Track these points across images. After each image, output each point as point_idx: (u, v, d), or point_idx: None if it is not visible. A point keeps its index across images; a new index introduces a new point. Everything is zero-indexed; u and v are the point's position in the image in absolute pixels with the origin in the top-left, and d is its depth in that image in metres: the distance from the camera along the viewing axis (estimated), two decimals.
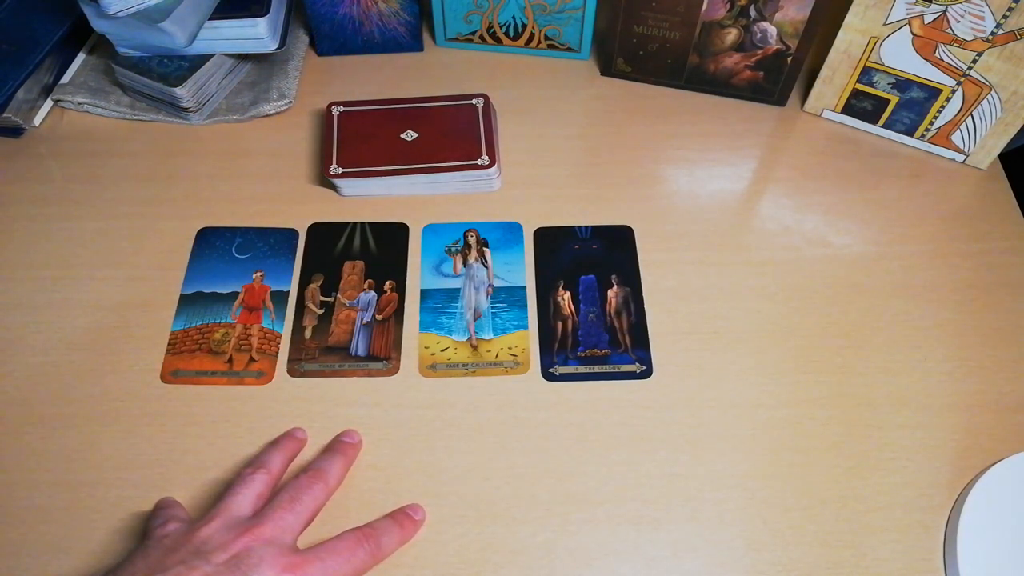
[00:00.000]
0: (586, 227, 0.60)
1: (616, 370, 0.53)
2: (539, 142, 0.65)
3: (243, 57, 0.68)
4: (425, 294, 0.56)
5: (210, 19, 0.62)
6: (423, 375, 0.53)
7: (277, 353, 0.53)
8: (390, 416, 0.51)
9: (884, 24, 0.58)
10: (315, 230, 0.60)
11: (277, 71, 0.68)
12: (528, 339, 0.54)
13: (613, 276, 0.57)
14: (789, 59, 0.63)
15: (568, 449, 0.49)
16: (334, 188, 0.61)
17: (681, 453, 0.49)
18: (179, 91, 0.63)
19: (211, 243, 0.59)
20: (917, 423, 0.50)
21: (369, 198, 0.61)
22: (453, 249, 0.59)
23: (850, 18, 0.59)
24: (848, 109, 0.65)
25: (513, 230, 0.60)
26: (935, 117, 0.62)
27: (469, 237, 0.59)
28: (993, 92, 0.58)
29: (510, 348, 0.54)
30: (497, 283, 0.57)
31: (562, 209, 0.61)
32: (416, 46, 0.71)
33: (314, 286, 0.57)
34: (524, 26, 0.69)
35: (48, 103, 0.66)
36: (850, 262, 0.58)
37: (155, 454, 0.49)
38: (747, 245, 0.59)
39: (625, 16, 0.64)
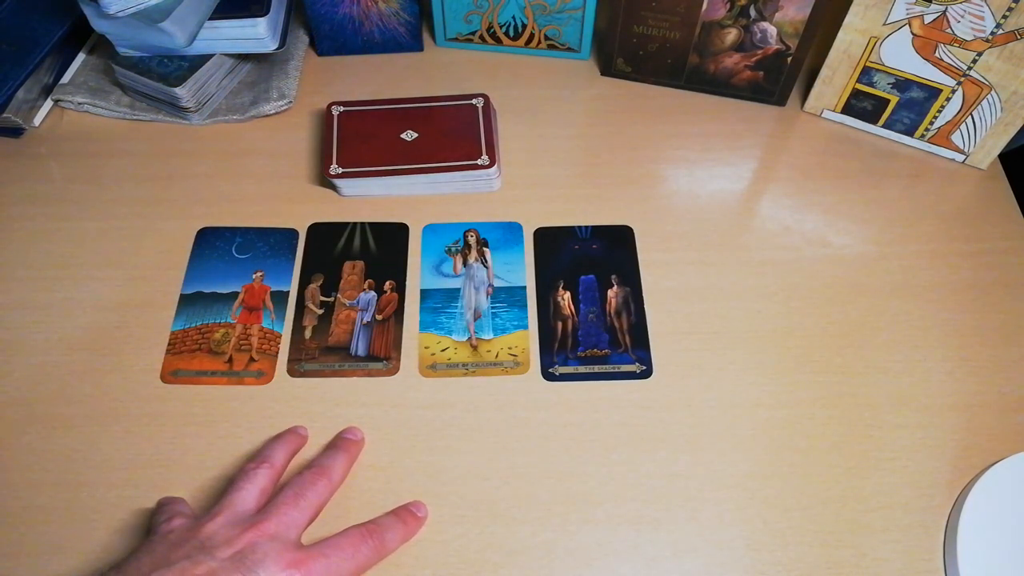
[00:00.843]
0: (586, 227, 0.60)
1: (616, 370, 0.53)
2: (539, 142, 0.65)
3: (243, 57, 0.68)
4: (425, 294, 0.56)
5: (210, 19, 0.62)
6: (423, 375, 0.53)
7: (277, 353, 0.53)
8: (390, 416, 0.51)
9: (884, 24, 0.58)
10: (315, 230, 0.60)
11: (277, 71, 0.68)
12: (528, 339, 0.54)
13: (613, 276, 0.57)
14: (789, 59, 0.63)
15: (568, 449, 0.49)
16: (334, 188, 0.61)
17: (681, 453, 0.49)
18: (179, 91, 0.63)
19: (211, 243, 0.59)
20: (917, 423, 0.50)
21: (369, 198, 0.61)
22: (453, 249, 0.59)
23: (850, 18, 0.59)
24: (848, 109, 0.65)
25: (513, 230, 0.60)
26: (935, 117, 0.62)
27: (469, 237, 0.59)
28: (993, 92, 0.58)
29: (510, 348, 0.54)
30: (497, 283, 0.57)
31: (562, 209, 0.61)
32: (416, 46, 0.71)
33: (314, 286, 0.57)
34: (524, 26, 0.69)
35: (48, 103, 0.66)
36: (850, 262, 0.58)
37: (155, 454, 0.49)
38: (747, 245, 0.59)
39: (625, 16, 0.64)
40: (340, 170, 0.60)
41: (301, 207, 0.61)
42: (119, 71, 0.64)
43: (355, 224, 0.60)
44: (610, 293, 0.56)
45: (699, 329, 0.55)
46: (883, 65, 0.60)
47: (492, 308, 0.56)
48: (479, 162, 0.60)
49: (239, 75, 0.69)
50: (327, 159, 0.60)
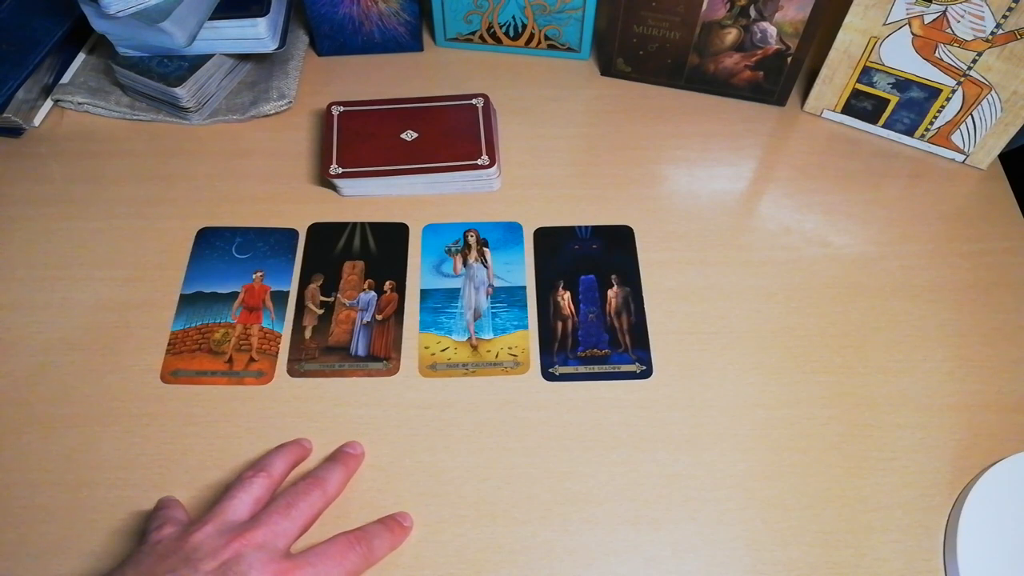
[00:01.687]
0: (586, 227, 0.60)
1: (616, 370, 0.53)
2: (539, 142, 0.65)
3: (243, 57, 0.68)
4: (425, 294, 0.56)
5: (210, 19, 0.62)
6: (423, 375, 0.53)
7: (277, 353, 0.53)
8: (390, 416, 0.51)
9: (884, 24, 0.58)
10: (315, 230, 0.60)
11: (277, 71, 0.68)
12: (528, 339, 0.54)
13: (613, 276, 0.57)
14: (789, 59, 0.63)
15: (568, 449, 0.49)
16: (334, 188, 0.61)
17: (681, 453, 0.49)
18: (179, 91, 0.63)
19: (211, 243, 0.59)
20: (917, 423, 0.50)
21: (369, 198, 0.61)
22: (453, 249, 0.59)
23: (850, 18, 0.59)
24: (848, 109, 0.65)
25: (513, 230, 0.60)
26: (935, 117, 0.62)
27: (469, 237, 0.59)
28: (993, 92, 0.58)
29: (510, 348, 0.54)
30: (497, 283, 0.57)
31: (562, 209, 0.61)
32: (416, 46, 0.71)
33: (314, 286, 0.57)
34: (524, 26, 0.69)
35: (48, 103, 0.66)
36: (850, 262, 0.58)
37: (155, 454, 0.49)
38: (747, 245, 0.59)
39: (625, 16, 0.64)
40: (340, 170, 0.60)
41: (301, 207, 0.61)
42: (119, 71, 0.64)
43: (355, 224, 0.60)
44: (610, 293, 0.56)
45: (699, 329, 0.55)
46: (883, 65, 0.60)
47: (492, 308, 0.56)
48: (479, 162, 0.60)
49: (239, 75, 0.69)
50: (327, 159, 0.60)
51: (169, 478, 0.48)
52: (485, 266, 0.58)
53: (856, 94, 0.64)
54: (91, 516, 0.47)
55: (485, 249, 0.59)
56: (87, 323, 0.54)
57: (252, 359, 0.53)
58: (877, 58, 0.60)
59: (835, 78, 0.63)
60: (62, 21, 0.65)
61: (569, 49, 0.70)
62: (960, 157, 0.64)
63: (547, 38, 0.70)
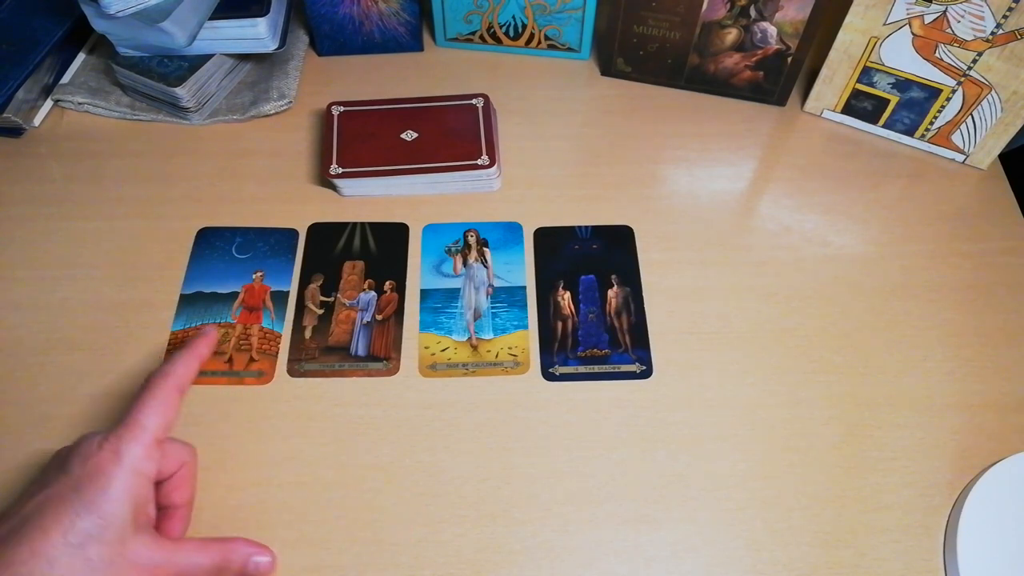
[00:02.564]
0: (586, 227, 0.60)
1: (616, 370, 0.53)
2: (539, 142, 0.65)
3: (243, 57, 0.68)
4: (425, 294, 0.56)
5: (210, 19, 0.62)
6: (423, 375, 0.53)
7: (277, 353, 0.53)
8: (390, 416, 0.51)
9: (884, 24, 0.58)
10: (315, 230, 0.60)
11: (277, 71, 0.68)
12: (528, 339, 0.54)
13: (613, 276, 0.57)
14: (789, 59, 0.63)
15: (568, 449, 0.49)
16: (334, 188, 0.61)
17: (681, 453, 0.49)
18: (179, 91, 0.63)
19: (211, 243, 0.59)
20: (917, 423, 0.50)
21: (369, 198, 0.61)
22: (453, 249, 0.59)
23: (850, 18, 0.59)
24: (848, 109, 0.65)
25: (513, 230, 0.60)
26: (935, 117, 0.62)
27: (469, 237, 0.59)
28: (993, 92, 0.58)
29: (510, 348, 0.54)
30: (497, 283, 0.57)
31: (562, 209, 0.61)
32: (416, 46, 0.71)
33: (314, 286, 0.57)
34: (524, 26, 0.69)
35: (48, 103, 0.66)
36: (850, 262, 0.58)
37: None
38: (747, 245, 0.59)
39: (625, 16, 0.64)
40: (340, 170, 0.60)
41: (301, 207, 0.61)
42: (119, 71, 0.64)
43: (355, 224, 0.60)
44: (610, 293, 0.56)
45: (699, 329, 0.55)
46: (883, 65, 0.60)
47: (492, 308, 0.56)
48: (479, 162, 0.60)
49: (239, 75, 0.69)
50: (327, 159, 0.60)
51: None
52: (485, 266, 0.58)
53: (856, 94, 0.64)
54: None
55: (485, 249, 0.59)
56: (87, 323, 0.54)
57: (252, 359, 0.53)
58: (877, 58, 0.60)
59: (835, 78, 0.63)
60: (62, 21, 0.65)
61: (569, 49, 0.70)
62: (960, 157, 0.64)
63: (547, 38, 0.70)
